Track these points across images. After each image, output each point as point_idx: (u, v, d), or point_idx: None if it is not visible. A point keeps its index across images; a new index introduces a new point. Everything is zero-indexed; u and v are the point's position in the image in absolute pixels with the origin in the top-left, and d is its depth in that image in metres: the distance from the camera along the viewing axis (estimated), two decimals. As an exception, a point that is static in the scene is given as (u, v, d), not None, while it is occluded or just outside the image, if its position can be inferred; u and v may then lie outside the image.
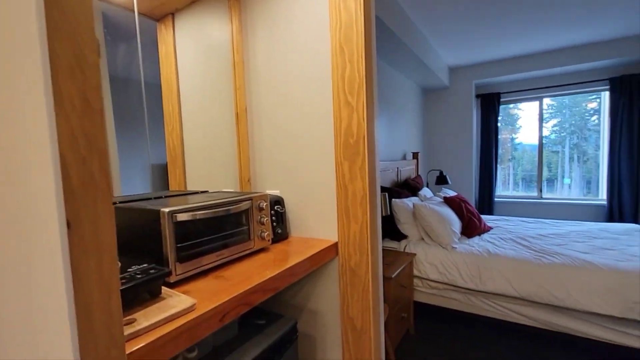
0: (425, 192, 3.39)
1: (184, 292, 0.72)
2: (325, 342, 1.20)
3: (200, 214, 0.81)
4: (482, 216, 3.33)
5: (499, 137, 4.56)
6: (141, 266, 0.69)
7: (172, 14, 1.44)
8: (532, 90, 4.30)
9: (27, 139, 0.33)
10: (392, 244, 2.65)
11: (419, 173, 4.07)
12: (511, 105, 4.67)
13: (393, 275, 1.96)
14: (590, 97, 4.22)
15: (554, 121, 4.47)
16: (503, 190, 4.77)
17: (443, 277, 2.37)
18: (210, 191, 1.19)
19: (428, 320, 2.49)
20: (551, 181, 4.48)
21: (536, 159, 4.50)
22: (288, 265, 0.90)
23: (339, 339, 1.17)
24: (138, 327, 0.56)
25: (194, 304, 0.65)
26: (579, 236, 2.70)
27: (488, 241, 2.61)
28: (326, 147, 1.11)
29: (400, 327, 2.14)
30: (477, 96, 4.59)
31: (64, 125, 0.34)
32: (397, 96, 3.65)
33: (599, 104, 4.18)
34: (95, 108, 0.38)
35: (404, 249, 2.56)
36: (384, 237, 2.74)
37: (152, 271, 0.66)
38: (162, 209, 0.74)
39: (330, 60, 1.06)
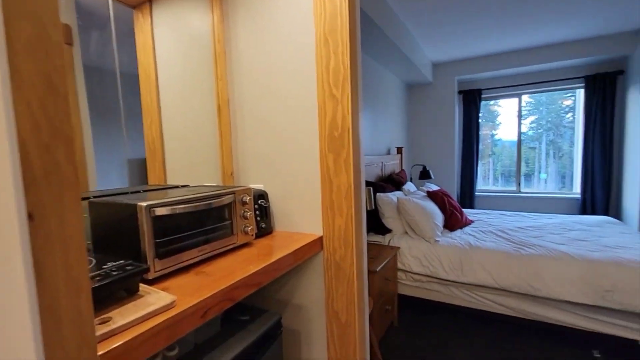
0: (409, 186, 3.43)
1: (163, 289, 0.70)
2: (310, 337, 1.20)
3: (180, 208, 0.78)
4: (464, 210, 3.40)
5: (480, 133, 4.66)
6: (117, 263, 0.66)
7: (150, 2, 1.38)
8: (512, 87, 4.41)
9: (-19, 124, 0.30)
10: (377, 238, 2.67)
11: (403, 168, 4.11)
12: (491, 102, 4.77)
13: (377, 269, 1.97)
14: (566, 95, 4.36)
15: (532, 118, 4.60)
16: (483, 184, 4.89)
17: (426, 270, 2.41)
18: (191, 185, 1.16)
19: (411, 313, 2.53)
20: (529, 176, 4.63)
21: (515, 154, 4.63)
22: (272, 260, 0.89)
23: (323, 333, 1.17)
24: (113, 326, 0.54)
25: (174, 301, 0.63)
26: (555, 228, 2.80)
27: (469, 234, 2.67)
28: (311, 140, 1.10)
29: (384, 319, 2.17)
30: (460, 92, 4.67)
31: (23, 108, 0.31)
32: (381, 91, 3.67)
33: (574, 102, 4.34)
34: (60, 91, 0.35)
35: (388, 242, 2.58)
36: (368, 231, 2.76)
37: (128, 268, 0.63)
38: (139, 203, 0.71)
39: (315, 52, 1.04)
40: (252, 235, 1.00)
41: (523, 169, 4.61)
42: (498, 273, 2.18)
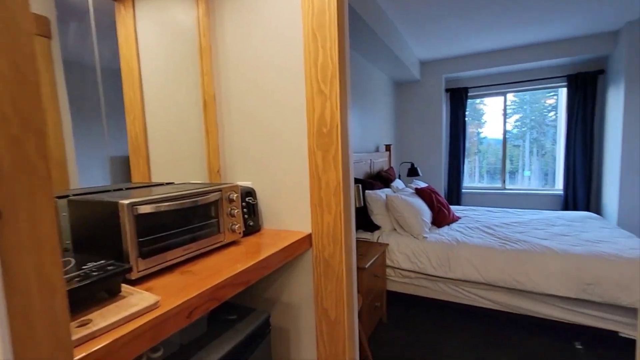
0: (398, 183, 3.45)
1: (147, 289, 0.68)
2: (299, 335, 1.19)
3: (164, 206, 0.76)
4: (451, 206, 3.45)
5: (467, 131, 4.72)
6: (98, 263, 0.63)
7: (132, -7, 1.34)
8: (497, 85, 4.48)
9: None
10: (366, 235, 2.68)
11: (392, 165, 4.14)
12: (477, 101, 4.85)
13: (367, 266, 1.98)
14: (549, 94, 4.47)
15: (516, 116, 4.70)
16: (470, 182, 4.97)
17: (414, 266, 2.43)
18: (176, 183, 1.13)
19: (400, 309, 2.56)
20: (513, 173, 4.73)
21: (500, 152, 4.72)
22: (260, 258, 0.88)
23: (313, 330, 1.16)
24: (94, 328, 0.52)
25: (158, 301, 0.61)
26: (539, 224, 2.87)
27: (457, 230, 2.71)
28: (299, 137, 1.09)
29: (373, 316, 2.18)
30: (447, 90, 4.72)
31: (-12, 99, 0.29)
32: (369, 88, 3.67)
33: (557, 101, 4.44)
34: (30, 81, 0.33)
35: (377, 239, 2.59)
36: (357, 228, 2.77)
37: (110, 268, 0.61)
38: (121, 201, 0.68)
39: (303, 47, 1.03)
40: (240, 233, 0.98)
41: (508, 166, 4.70)
42: (484, 268, 2.21)
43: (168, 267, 0.79)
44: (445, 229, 2.78)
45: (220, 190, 0.92)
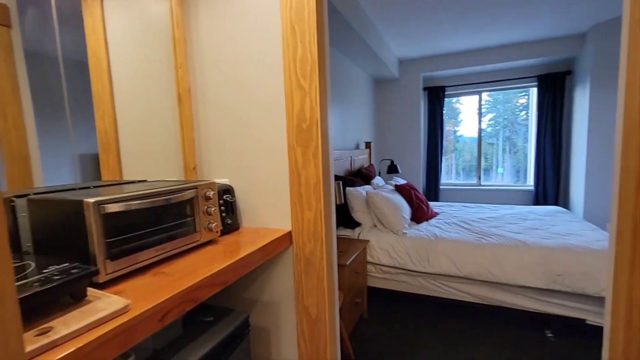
0: (378, 180, 3.48)
1: (116, 293, 0.64)
2: (279, 334, 1.17)
3: (135, 204, 0.72)
4: (430, 203, 3.52)
5: (444, 129, 4.83)
6: (61, 266, 0.59)
7: (99, -20, 1.26)
8: (473, 84, 4.61)
9: None
10: (347, 232, 2.69)
11: (372, 162, 4.17)
12: (454, 100, 4.96)
13: (347, 263, 1.98)
14: (521, 94, 4.64)
15: (490, 115, 4.86)
16: (447, 178, 5.09)
17: (394, 262, 2.46)
18: (149, 180, 1.08)
19: (381, 304, 2.58)
20: (487, 170, 4.89)
21: (475, 150, 4.87)
22: (238, 257, 0.85)
23: (294, 329, 1.15)
24: (55, 337, 0.48)
25: (127, 305, 0.57)
26: (512, 218, 2.97)
27: (435, 226, 2.76)
28: (278, 133, 1.06)
29: (354, 312, 2.19)
30: (425, 89, 4.80)
31: None
32: (349, 85, 3.68)
33: (528, 100, 4.62)
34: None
35: (358, 236, 2.61)
36: (338, 225, 2.77)
37: (74, 271, 0.57)
38: (86, 200, 0.64)
39: (281, 40, 1.00)
40: (217, 232, 0.95)
41: (482, 163, 4.85)
42: (461, 262, 2.27)
43: (140, 268, 0.75)
44: (424, 224, 2.83)
45: (196, 188, 0.88)
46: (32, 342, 0.46)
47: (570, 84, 4.11)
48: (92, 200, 0.64)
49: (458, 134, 5.06)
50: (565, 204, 4.19)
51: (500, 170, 4.85)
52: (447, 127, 5.04)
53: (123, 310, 0.56)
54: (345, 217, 2.74)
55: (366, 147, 4.10)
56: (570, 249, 2.09)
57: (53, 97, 1.23)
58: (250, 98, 1.09)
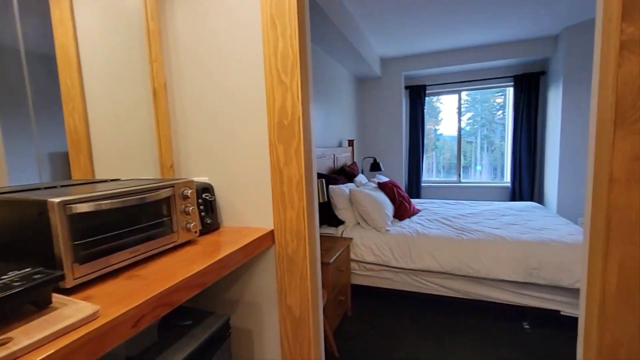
0: (361, 178, 3.50)
1: (85, 298, 0.60)
2: (262, 335, 1.15)
3: (105, 204, 0.68)
4: (412, 200, 3.56)
5: (425, 127, 4.91)
6: (23, 271, 0.55)
7: (67, -32, 1.19)
8: (452, 84, 4.70)
9: None
10: (330, 230, 2.68)
11: (355, 160, 4.18)
12: (434, 99, 5.05)
13: (331, 261, 1.97)
14: (498, 94, 4.78)
15: (469, 115, 4.98)
16: (428, 176, 5.18)
17: (378, 259, 2.47)
18: (122, 179, 1.03)
19: (364, 301, 2.59)
20: (466, 168, 5.02)
21: (455, 148, 4.97)
22: (218, 257, 0.82)
23: (277, 329, 1.13)
24: (14, 348, 0.44)
25: (97, 311, 0.54)
26: (491, 214, 3.05)
27: (417, 223, 2.80)
28: (259, 129, 1.04)
29: (338, 310, 2.19)
30: (406, 87, 4.86)
31: None
32: (332, 83, 3.67)
33: (504, 100, 4.76)
34: None
35: (341, 234, 2.60)
36: (321, 223, 2.76)
37: (37, 277, 0.53)
38: (51, 200, 0.59)
39: (262, 34, 0.98)
40: (196, 232, 0.92)
41: (462, 161, 4.97)
42: (443, 258, 2.31)
43: (112, 272, 0.72)
44: (406, 221, 2.86)
45: (173, 186, 0.85)
46: (-13, 355, 0.42)
47: (544, 84, 4.26)
48: (57, 200, 0.60)
49: (438, 132, 5.16)
50: (540, 200, 4.35)
51: (478, 167, 4.98)
52: (428, 126, 5.12)
53: (92, 317, 0.53)
54: (328, 215, 2.73)
55: (349, 145, 4.11)
56: (546, 243, 2.16)
57: (16, 93, 1.15)
58: (230, 94, 1.05)
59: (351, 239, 2.50)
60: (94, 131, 1.27)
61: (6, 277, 0.52)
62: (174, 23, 1.08)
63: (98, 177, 1.28)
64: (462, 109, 4.91)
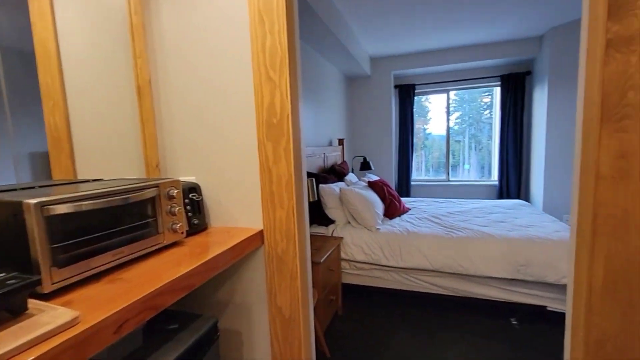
0: (351, 177, 3.50)
1: (65, 304, 0.58)
2: (252, 337, 1.13)
3: (86, 204, 0.65)
4: (402, 198, 3.58)
5: (414, 126, 4.94)
6: (-4, 276, 0.52)
7: (46, -40, 1.15)
8: (441, 83, 4.75)
9: None
10: (320, 229, 2.67)
11: (345, 159, 4.18)
12: (423, 98, 5.09)
13: (321, 260, 1.96)
14: (485, 93, 4.84)
15: (457, 114, 5.04)
16: (417, 174, 5.23)
17: (368, 258, 2.47)
18: (105, 179, 1.00)
19: (355, 300, 2.59)
20: (455, 166, 5.08)
21: (444, 147, 5.03)
22: (206, 259, 0.80)
23: (267, 330, 1.11)
24: (-15, 359, 0.42)
25: (77, 317, 0.51)
26: (479, 212, 3.09)
27: (407, 221, 2.81)
28: (247, 127, 1.02)
29: (329, 309, 2.18)
30: (396, 87, 4.88)
31: None
32: (322, 82, 3.66)
33: (491, 99, 4.84)
34: None
35: (332, 233, 2.60)
36: (312, 222, 2.74)
37: (10, 282, 0.50)
38: (27, 201, 0.57)
39: (249, 30, 0.96)
40: (182, 233, 0.89)
41: (450, 160, 5.03)
42: (433, 256, 2.33)
43: (94, 275, 0.69)
44: (396, 220, 2.87)
45: (158, 186, 0.82)
46: (-46, 367, 0.40)
47: (530, 84, 4.34)
48: (33, 201, 0.57)
49: (427, 131, 5.21)
50: (527, 198, 4.43)
51: (467, 166, 5.05)
52: (417, 125, 5.16)
53: (71, 324, 0.50)
54: (318, 215, 2.72)
55: (339, 144, 4.11)
56: (533, 240, 2.20)
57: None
58: (217, 91, 1.03)
59: (342, 238, 2.50)
60: (75, 130, 1.22)
61: (-23, 283, 0.50)
62: (158, 18, 1.05)
63: (80, 177, 1.24)
64: (451, 109, 4.97)
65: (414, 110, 4.87)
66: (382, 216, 2.84)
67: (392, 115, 4.74)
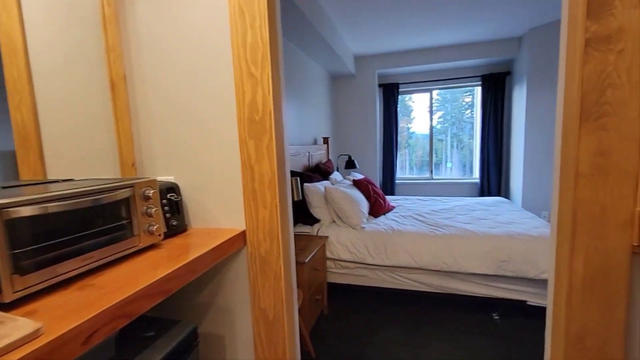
0: (336, 175, 3.49)
1: (27, 314, 0.53)
2: (234, 340, 1.10)
3: (53, 206, 0.61)
4: (386, 196, 3.60)
5: (398, 125, 4.99)
6: (-51, 286, 0.47)
7: (9, -55, 1.07)
8: (424, 82, 4.80)
9: None
10: (305, 229, 2.65)
11: (330, 157, 4.17)
12: (407, 97, 5.14)
13: (307, 260, 1.94)
14: (466, 93, 4.94)
15: (439, 113, 5.12)
16: (402, 173, 5.28)
17: (354, 257, 2.47)
18: (76, 179, 0.94)
19: (341, 299, 2.59)
20: (438, 165, 5.16)
21: (427, 146, 5.10)
22: (185, 262, 0.77)
23: (250, 333, 1.08)
24: None
25: (39, 329, 0.48)
26: (462, 209, 3.14)
27: (392, 219, 2.83)
28: (229, 125, 0.98)
29: (314, 309, 2.16)
30: (380, 85, 4.91)
31: None
32: (306, 80, 3.63)
33: (473, 99, 4.93)
34: None
35: (317, 232, 2.58)
36: (297, 222, 2.72)
37: (-36, 292, 0.46)
38: (-17, 203, 0.52)
39: (229, 23, 0.92)
40: (160, 235, 0.86)
41: (434, 158, 5.11)
42: (417, 253, 2.34)
43: (62, 282, 0.64)
44: (381, 218, 2.88)
45: (132, 186, 0.78)
46: None
47: (509, 84, 4.45)
48: (-10, 203, 0.52)
49: (411, 130, 5.27)
50: (507, 195, 4.54)
51: (449, 164, 5.14)
52: (401, 124, 5.21)
53: (33, 336, 0.47)
54: (303, 214, 2.70)
55: (324, 143, 4.09)
56: (514, 236, 2.25)
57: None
58: (196, 86, 0.99)
59: (327, 237, 2.48)
60: (45, 127, 1.16)
61: None
62: (133, 9, 1.00)
63: (50, 177, 1.17)
64: (433, 108, 5.04)
65: (398, 109, 4.91)
66: (367, 215, 2.85)
67: (376, 114, 4.77)
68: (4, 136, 1.11)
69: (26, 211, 0.57)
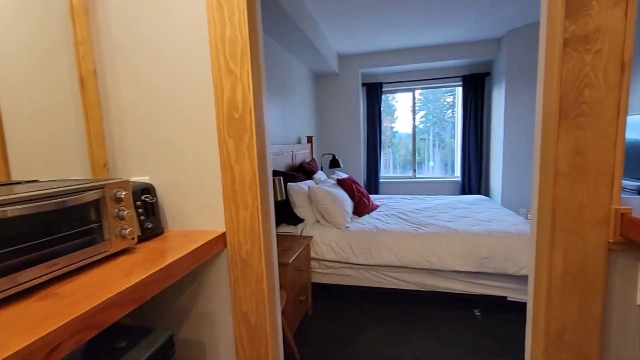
0: (320, 175, 3.47)
1: (-19, 328, 0.49)
2: (215, 346, 1.06)
3: (12, 210, 0.56)
4: (370, 195, 3.62)
5: (382, 124, 5.02)
6: None
7: None
8: (407, 82, 4.86)
9: None
10: (289, 229, 2.62)
11: (314, 157, 4.15)
12: (390, 97, 5.19)
13: (290, 261, 1.92)
14: (448, 93, 5.03)
15: (422, 113, 5.20)
16: (385, 172, 5.32)
17: (338, 256, 2.46)
18: (42, 180, 0.88)
19: (325, 300, 2.58)
20: (420, 164, 5.24)
21: (410, 145, 5.16)
22: (160, 266, 0.73)
23: (231, 338, 1.05)
24: None
25: (-7, 345, 0.43)
26: (444, 208, 3.19)
27: (376, 218, 2.84)
28: (207, 123, 0.95)
29: (299, 310, 2.14)
30: (363, 85, 4.93)
31: None
32: (289, 79, 3.60)
33: (454, 99, 5.03)
34: None
35: (301, 232, 2.56)
36: (280, 222, 2.69)
37: None
38: None
39: (207, 16, 0.89)
40: (133, 238, 0.81)
41: (417, 158, 5.18)
42: (401, 252, 2.36)
43: (23, 292, 0.60)
44: (365, 217, 2.89)
45: (102, 188, 0.73)
46: None
47: (489, 85, 4.55)
48: (-64, 207, 0.47)
49: (394, 129, 5.32)
50: (487, 193, 4.65)
51: (431, 163, 5.22)
52: (385, 123, 5.25)
53: (-15, 353, 0.42)
54: (287, 214, 2.67)
55: (308, 142, 4.07)
56: (494, 233, 2.30)
57: None
58: (173, 82, 0.95)
59: (311, 237, 2.46)
60: (9, 125, 1.08)
61: None
62: (104, 0, 0.95)
63: (15, 178, 1.10)
64: (416, 108, 5.10)
65: (382, 108, 4.94)
66: (352, 214, 2.85)
67: (360, 113, 4.78)
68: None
69: (-20, 216, 0.52)
